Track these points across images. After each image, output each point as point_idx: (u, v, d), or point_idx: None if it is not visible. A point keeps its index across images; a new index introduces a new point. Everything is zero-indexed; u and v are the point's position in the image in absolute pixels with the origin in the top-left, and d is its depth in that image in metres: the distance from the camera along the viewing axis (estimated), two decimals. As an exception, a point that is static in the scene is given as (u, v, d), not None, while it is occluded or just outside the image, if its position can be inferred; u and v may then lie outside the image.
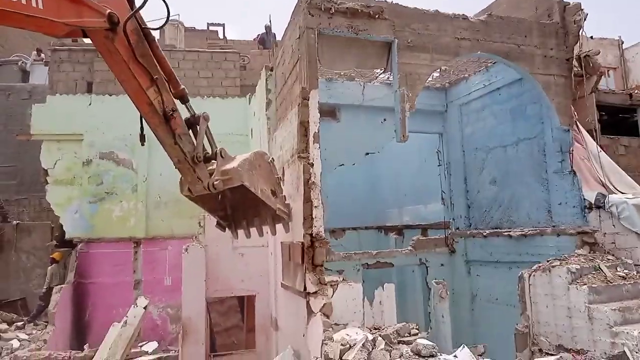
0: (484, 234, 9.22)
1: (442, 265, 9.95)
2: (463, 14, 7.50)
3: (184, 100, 4.87)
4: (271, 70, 9.76)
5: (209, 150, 5.16)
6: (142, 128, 4.73)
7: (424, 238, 10.25)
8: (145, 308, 8.46)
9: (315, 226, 6.52)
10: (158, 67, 4.47)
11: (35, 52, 19.14)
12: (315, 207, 6.57)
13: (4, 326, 10.92)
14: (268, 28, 17.79)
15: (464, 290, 9.84)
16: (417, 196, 11.91)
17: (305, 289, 6.37)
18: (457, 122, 10.34)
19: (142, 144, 4.83)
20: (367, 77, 9.67)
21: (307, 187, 6.56)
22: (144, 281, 12.29)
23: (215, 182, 5.03)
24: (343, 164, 9.83)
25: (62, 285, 11.27)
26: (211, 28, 18.60)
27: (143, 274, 12.30)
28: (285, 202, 6.59)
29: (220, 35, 18.62)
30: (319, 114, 6.81)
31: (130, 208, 12.44)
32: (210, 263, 8.77)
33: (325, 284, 6.28)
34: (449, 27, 7.34)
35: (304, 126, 6.76)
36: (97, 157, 12.50)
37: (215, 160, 5.13)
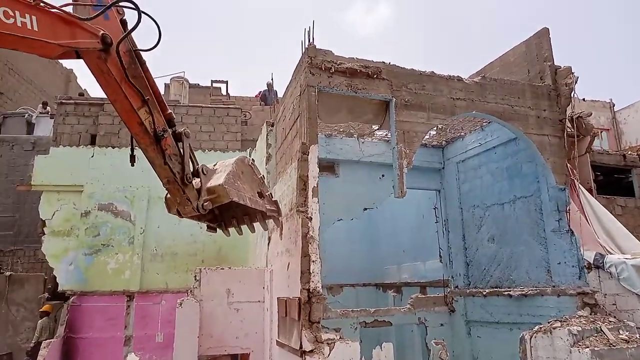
0: (484, 293, 9.08)
1: (441, 325, 9.72)
2: (458, 76, 7.80)
3: (171, 124, 4.94)
4: (272, 125, 10.00)
5: (192, 167, 5.19)
6: (132, 149, 4.81)
7: (423, 296, 10.09)
8: (135, 365, 8.16)
9: (312, 281, 6.46)
10: (149, 88, 4.58)
11: (42, 105, 19.59)
12: (313, 261, 6.53)
13: (-13, 383, 10.47)
14: (270, 85, 18.38)
15: (464, 351, 9.55)
16: (415, 253, 11.83)
17: (301, 346, 6.20)
18: (454, 179, 10.46)
19: (132, 165, 4.87)
20: (366, 133, 9.90)
21: (305, 242, 6.55)
22: (135, 337, 11.90)
23: (204, 204, 5.06)
24: (341, 219, 9.85)
25: (51, 340, 10.91)
26: (215, 85, 19.21)
27: (135, 330, 11.93)
28: (273, 199, 6.57)
29: (224, 92, 19.20)
30: (318, 169, 6.93)
31: (125, 260, 12.28)
32: (204, 318, 8.55)
33: (322, 342, 6.12)
34: (444, 87, 7.62)
35: (303, 180, 6.85)
36: (96, 209, 12.49)
37: (199, 177, 5.17)
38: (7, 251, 15.74)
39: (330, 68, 7.03)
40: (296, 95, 7.50)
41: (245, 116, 14.97)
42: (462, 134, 10.22)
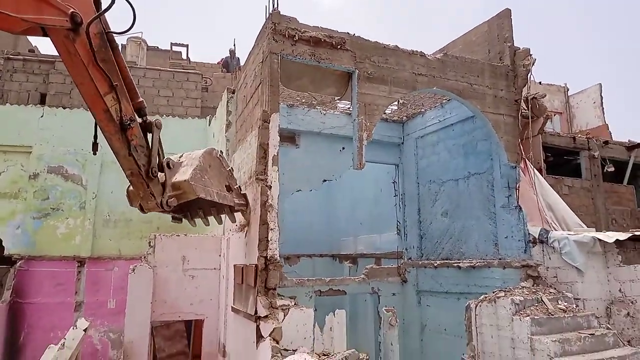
0: (435, 264, 9.43)
1: (393, 294, 10.06)
2: (421, 51, 7.86)
3: (141, 113, 4.71)
4: (233, 92, 9.81)
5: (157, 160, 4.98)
6: (95, 136, 4.56)
7: (377, 267, 10.37)
8: (85, 331, 7.99)
9: (270, 249, 6.50)
10: (119, 74, 4.36)
11: (-12, 60, 18.38)
12: (271, 229, 6.56)
13: None
14: (232, 52, 17.93)
15: (414, 319, 9.96)
16: (372, 225, 12.09)
17: (256, 312, 6.28)
18: (412, 154, 10.68)
19: (94, 153, 4.66)
20: (327, 104, 9.88)
21: (264, 210, 6.56)
22: (86, 303, 11.67)
23: (169, 200, 4.90)
24: (300, 190, 9.90)
25: (-5, 305, 10.56)
26: (175, 48, 18.51)
27: (86, 295, 11.70)
28: (241, 192, 6.46)
29: (184, 56, 18.58)
30: (278, 138, 6.88)
31: (76, 225, 11.91)
32: (158, 285, 8.48)
33: (277, 308, 6.22)
34: (407, 62, 7.67)
35: (263, 148, 6.80)
36: (45, 171, 11.96)
37: (163, 172, 4.99)
38: (-54, 213, 14.92)
39: (294, 36, 6.91)
40: (258, 62, 7.37)
41: (206, 82, 14.60)
42: (422, 110, 10.39)
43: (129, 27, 3.98)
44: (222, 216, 6.43)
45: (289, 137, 9.92)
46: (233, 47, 17.91)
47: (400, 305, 9.85)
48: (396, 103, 9.97)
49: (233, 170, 6.83)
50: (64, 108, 12.14)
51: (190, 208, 6.10)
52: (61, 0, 3.72)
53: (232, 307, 7.74)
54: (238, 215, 6.73)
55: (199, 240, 9.21)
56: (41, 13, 3.61)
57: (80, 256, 11.81)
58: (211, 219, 6.49)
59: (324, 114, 10.09)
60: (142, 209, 5.13)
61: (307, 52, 7.02)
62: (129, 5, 3.84)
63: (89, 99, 4.25)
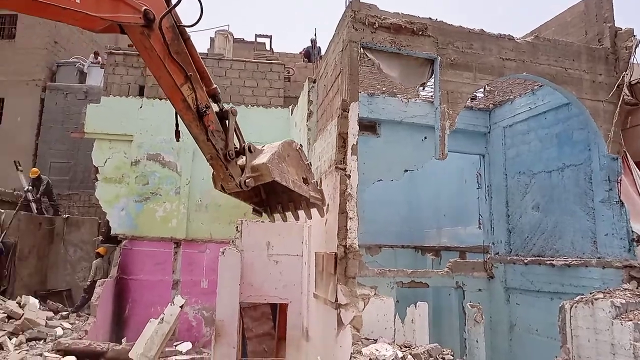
0: (525, 261, 8.94)
1: (479, 290, 9.70)
2: (509, 35, 7.39)
3: (216, 99, 4.93)
4: (314, 82, 9.93)
5: (238, 145, 5.19)
6: (177, 124, 4.85)
7: (462, 261, 10.05)
8: (181, 307, 8.64)
9: (349, 238, 6.56)
10: (192, 64, 4.55)
11: (93, 54, 20.16)
12: (350, 218, 6.60)
13: (50, 314, 11.45)
14: (313, 42, 18.07)
15: (502, 318, 9.53)
16: (456, 218, 11.70)
17: (336, 299, 6.39)
18: (500, 144, 10.13)
19: (177, 140, 4.97)
20: (409, 93, 9.67)
21: (343, 199, 6.62)
22: (182, 282, 12.59)
23: (247, 180, 5.07)
24: (381, 180, 9.82)
25: (105, 279, 11.73)
26: (259, 40, 19.06)
27: (181, 275, 12.62)
28: (318, 187, 6.52)
29: (267, 47, 19.08)
30: (358, 127, 6.88)
31: (172, 209, 12.83)
32: (245, 268, 8.90)
33: (357, 297, 6.29)
34: (494, 46, 7.26)
35: (342, 137, 6.85)
36: (145, 158, 12.97)
37: (244, 155, 5.17)
38: (64, 195, 16.77)
39: (374, 23, 6.82)
40: (338, 51, 7.38)
41: (288, 72, 14.89)
42: (511, 97, 9.80)
43: (197, 18, 4.13)
44: (300, 212, 6.54)
45: (369, 126, 9.85)
46: (314, 37, 18.06)
47: (487, 301, 9.47)
48: (482, 90, 9.49)
49: (311, 165, 6.92)
50: (160, 99, 13.04)
51: (270, 202, 6.29)
52: None
53: (313, 293, 7.94)
54: (315, 214, 6.82)
55: (283, 226, 9.48)
56: (118, 11, 3.88)
57: (176, 238, 12.74)
58: (289, 215, 6.62)
59: (406, 103, 9.88)
60: (223, 190, 5.37)
61: (388, 40, 6.89)
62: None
63: (168, 90, 4.51)
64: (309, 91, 9.94)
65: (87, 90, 18.16)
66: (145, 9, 3.98)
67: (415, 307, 6.70)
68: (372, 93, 9.72)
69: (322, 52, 15.18)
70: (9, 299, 11.56)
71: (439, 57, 7.00)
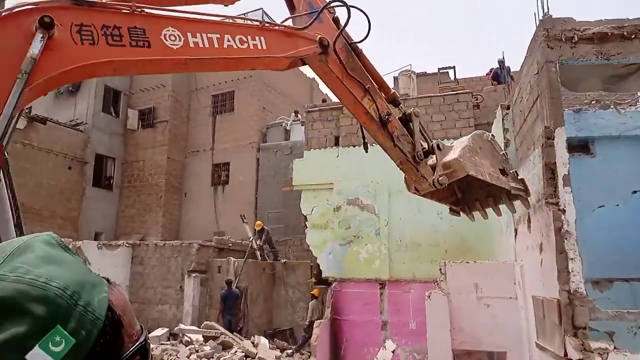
0: None
1: None
2: None
3: (396, 103, 4.95)
4: (507, 108, 9.26)
5: (426, 145, 5.10)
6: (363, 137, 5.01)
7: None
8: (393, 352, 8.73)
9: (572, 281, 5.73)
10: (369, 76, 4.65)
11: (294, 113, 22.68)
12: (571, 259, 5.79)
13: (278, 353, 12.76)
14: (501, 62, 17.03)
15: None
16: None
17: (565, 354, 5.60)
18: None
19: (366, 151, 5.13)
20: (625, 102, 8.25)
21: (560, 237, 5.86)
22: (390, 322, 12.71)
23: (440, 179, 4.91)
24: (603, 206, 8.47)
25: (321, 320, 12.59)
26: (442, 72, 18.85)
27: (389, 316, 12.76)
28: (518, 177, 5.92)
29: (452, 77, 18.68)
30: (567, 154, 6.10)
31: (374, 251, 13.19)
32: (453, 312, 8.52)
33: (592, 351, 5.41)
34: None
35: (550, 168, 6.13)
36: (345, 203, 13.73)
37: (434, 154, 5.05)
38: (280, 241, 18.87)
39: (573, 37, 6.05)
40: (533, 74, 6.75)
41: (476, 99, 14.26)
42: None
43: (366, 33, 4.21)
44: (501, 207, 6.00)
45: (580, 146, 8.63)
46: (502, 58, 17.04)
47: None
48: None
49: (507, 155, 6.36)
50: (354, 147, 13.78)
51: (466, 200, 5.97)
52: (307, 30, 4.22)
53: (535, 342, 7.13)
54: (519, 207, 6.14)
55: (490, 267, 8.90)
56: (297, 47, 4.19)
57: (380, 279, 13.01)
58: (490, 212, 6.11)
59: (623, 114, 8.44)
60: (417, 192, 5.30)
61: (592, 52, 6.03)
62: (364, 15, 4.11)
63: (351, 107, 4.69)
64: (503, 118, 9.30)
65: (291, 146, 20.44)
66: (319, 37, 4.24)
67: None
68: (578, 109, 8.60)
69: (511, 72, 14.19)
70: (244, 337, 13.28)
71: (662, 59, 5.84)
